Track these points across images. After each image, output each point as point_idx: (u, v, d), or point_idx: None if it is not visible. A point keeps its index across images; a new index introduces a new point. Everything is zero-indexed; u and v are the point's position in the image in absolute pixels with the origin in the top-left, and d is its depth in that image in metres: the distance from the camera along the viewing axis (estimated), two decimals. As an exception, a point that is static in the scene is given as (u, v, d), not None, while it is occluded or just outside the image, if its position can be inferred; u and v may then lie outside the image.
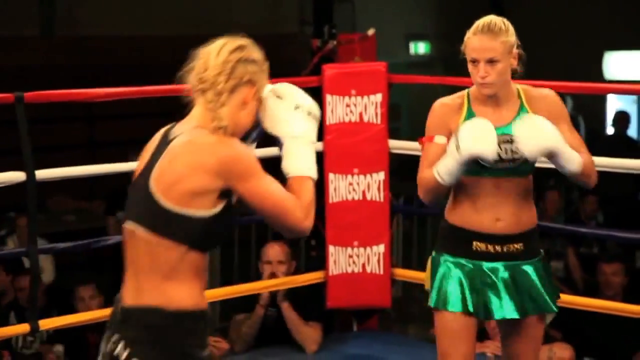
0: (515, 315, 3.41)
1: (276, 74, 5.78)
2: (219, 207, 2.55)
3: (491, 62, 3.36)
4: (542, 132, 3.23)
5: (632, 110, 11.65)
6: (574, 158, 3.29)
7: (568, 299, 5.24)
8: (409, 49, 12.19)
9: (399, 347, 5.46)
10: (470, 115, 3.43)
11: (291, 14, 10.57)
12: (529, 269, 3.45)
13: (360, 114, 5.32)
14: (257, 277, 5.55)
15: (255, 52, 2.71)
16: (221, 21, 10.27)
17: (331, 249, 5.40)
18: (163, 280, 2.56)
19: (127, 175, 6.98)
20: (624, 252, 7.10)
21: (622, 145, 10.11)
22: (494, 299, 3.42)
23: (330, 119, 5.35)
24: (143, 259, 2.58)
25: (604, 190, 8.97)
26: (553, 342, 5.31)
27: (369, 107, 5.31)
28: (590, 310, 5.07)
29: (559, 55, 10.99)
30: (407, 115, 10.99)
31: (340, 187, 5.38)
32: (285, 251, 5.41)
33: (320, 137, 5.35)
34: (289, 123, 2.68)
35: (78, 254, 6.41)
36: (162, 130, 2.71)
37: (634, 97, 12.03)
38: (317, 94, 5.43)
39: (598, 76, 11.83)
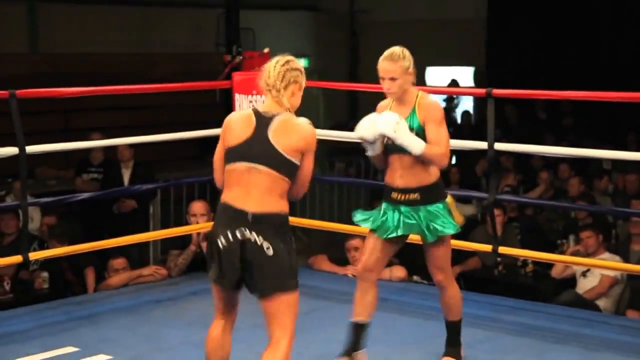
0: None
1: (201, 80, 5.78)
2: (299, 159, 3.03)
3: (392, 79, 3.58)
4: (375, 123, 3.52)
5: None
6: (415, 145, 3.50)
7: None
8: (294, 64, 12.19)
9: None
10: (391, 109, 3.66)
11: (210, 37, 10.46)
12: (424, 209, 3.61)
13: (259, 108, 5.28)
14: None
15: (296, 63, 3.14)
16: (158, 43, 10.14)
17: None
18: (279, 198, 3.01)
19: (89, 150, 6.98)
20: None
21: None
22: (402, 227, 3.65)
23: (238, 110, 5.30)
24: (265, 184, 2.99)
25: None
26: (392, 265, 5.36)
27: (265, 103, 5.27)
28: (417, 243, 5.14)
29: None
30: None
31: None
32: (206, 206, 5.35)
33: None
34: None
35: (57, 206, 6.25)
36: (250, 112, 3.09)
37: (444, 96, 12.28)
38: (229, 93, 5.38)
39: (422, 82, 12.02)
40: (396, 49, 3.65)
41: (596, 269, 5.43)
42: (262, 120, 3.04)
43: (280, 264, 2.99)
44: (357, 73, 12.53)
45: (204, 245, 5.21)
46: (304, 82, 3.13)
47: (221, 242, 3.01)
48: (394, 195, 3.65)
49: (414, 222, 3.61)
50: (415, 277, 5.61)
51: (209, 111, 8.15)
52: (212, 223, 5.17)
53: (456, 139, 4.25)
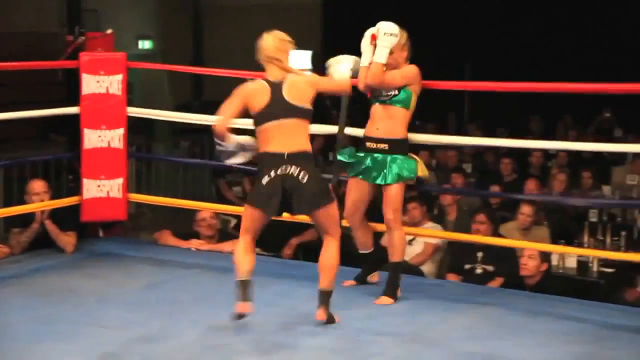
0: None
1: (45, 59, 5.54)
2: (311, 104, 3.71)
3: (390, 53, 4.10)
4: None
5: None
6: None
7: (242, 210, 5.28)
8: (138, 45, 11.88)
9: (133, 247, 5.34)
10: None
11: (54, 18, 10.01)
12: (392, 159, 4.09)
13: (107, 88, 5.13)
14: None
15: (284, 35, 3.75)
16: (1, 22, 9.60)
17: (85, 181, 5.18)
18: (304, 139, 3.68)
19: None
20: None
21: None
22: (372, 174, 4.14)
23: (85, 90, 5.12)
24: (291, 131, 3.64)
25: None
26: (234, 239, 5.34)
27: (113, 83, 5.13)
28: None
29: (240, 52, 11.02)
30: (139, 90, 10.77)
31: (92, 138, 5.15)
32: (46, 184, 5.16)
33: (77, 102, 5.18)
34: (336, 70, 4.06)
35: None
36: (263, 82, 3.70)
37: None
38: (76, 73, 5.19)
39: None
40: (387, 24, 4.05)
41: (420, 238, 5.66)
42: (275, 87, 3.67)
43: (313, 188, 3.63)
44: (201, 55, 12.37)
45: (47, 222, 5.03)
46: (291, 47, 3.75)
47: (265, 179, 3.62)
48: (369, 144, 4.12)
49: (378, 167, 4.07)
50: (256, 249, 5.61)
51: (51, 90, 7.81)
52: (54, 201, 5.11)
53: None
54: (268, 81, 3.71)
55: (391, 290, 4.15)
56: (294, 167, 3.61)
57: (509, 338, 3.74)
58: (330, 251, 3.72)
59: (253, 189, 3.78)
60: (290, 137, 3.64)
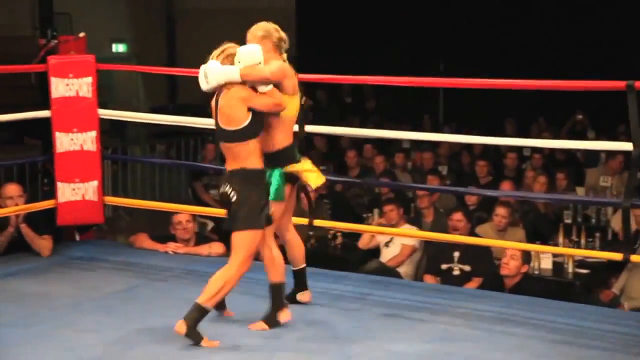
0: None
1: (18, 63, 5.50)
2: (248, 119, 3.53)
3: None
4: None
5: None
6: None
7: (220, 212, 5.27)
8: (112, 49, 11.83)
9: (109, 250, 5.30)
10: None
11: (26, 21, 9.93)
12: (271, 174, 3.71)
13: (77, 91, 5.09)
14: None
15: (231, 49, 3.63)
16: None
17: (59, 184, 5.13)
18: (244, 157, 3.55)
19: None
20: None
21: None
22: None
23: (54, 94, 5.08)
24: (230, 152, 3.57)
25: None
26: (211, 242, 5.33)
27: (82, 86, 5.09)
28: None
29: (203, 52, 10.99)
30: (115, 93, 10.72)
31: (65, 142, 5.11)
32: (21, 188, 5.12)
33: (47, 106, 5.14)
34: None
35: None
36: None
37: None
38: (45, 76, 5.14)
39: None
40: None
41: (397, 240, 5.67)
42: (216, 105, 3.58)
43: (237, 209, 3.55)
44: (175, 57, 12.32)
45: (23, 226, 4.98)
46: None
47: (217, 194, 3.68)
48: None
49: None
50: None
51: (26, 94, 7.74)
52: (29, 205, 5.07)
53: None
54: (215, 99, 3.62)
55: (269, 314, 3.77)
56: (228, 185, 3.56)
57: (485, 341, 3.75)
58: (222, 270, 3.56)
59: None
60: (229, 156, 3.60)
